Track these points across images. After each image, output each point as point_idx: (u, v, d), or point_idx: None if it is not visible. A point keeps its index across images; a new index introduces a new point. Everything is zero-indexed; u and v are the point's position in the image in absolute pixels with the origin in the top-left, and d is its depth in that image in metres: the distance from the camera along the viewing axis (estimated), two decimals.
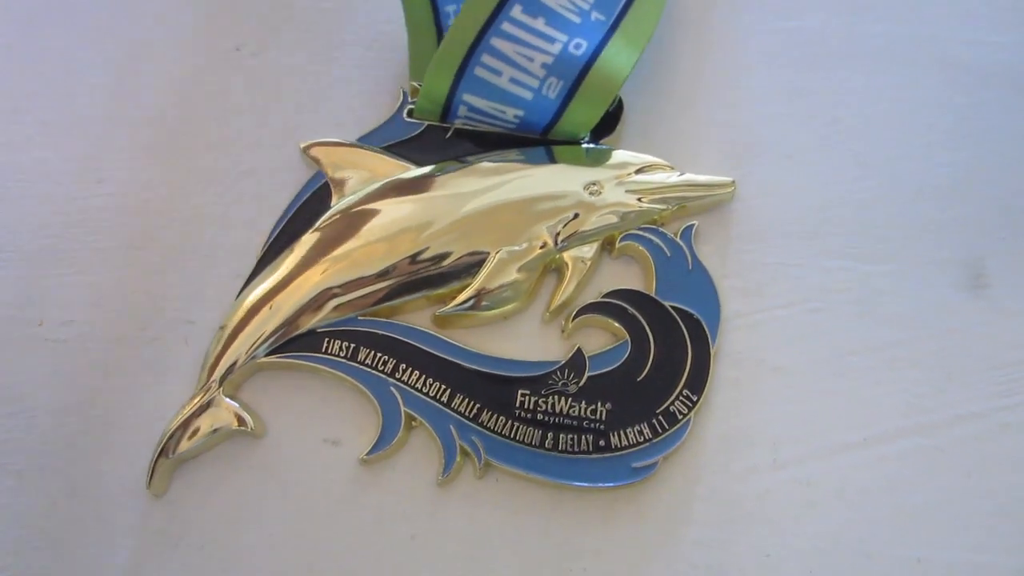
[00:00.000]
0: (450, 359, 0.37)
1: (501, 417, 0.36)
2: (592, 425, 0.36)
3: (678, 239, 0.38)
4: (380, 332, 0.37)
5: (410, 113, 0.41)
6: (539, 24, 0.38)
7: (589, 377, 0.36)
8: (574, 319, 0.37)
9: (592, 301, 0.38)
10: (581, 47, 0.38)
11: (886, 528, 0.35)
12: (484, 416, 0.36)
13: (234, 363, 0.37)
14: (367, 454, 0.36)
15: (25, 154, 0.42)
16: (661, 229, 0.38)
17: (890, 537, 0.35)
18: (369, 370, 0.37)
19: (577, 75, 0.38)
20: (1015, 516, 0.35)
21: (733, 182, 0.39)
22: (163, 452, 0.36)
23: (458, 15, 0.38)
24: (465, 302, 0.37)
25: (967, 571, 0.35)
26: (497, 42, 0.38)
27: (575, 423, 0.36)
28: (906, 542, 0.35)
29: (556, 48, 0.38)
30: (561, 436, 0.36)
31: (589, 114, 0.39)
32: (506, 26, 0.38)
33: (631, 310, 0.37)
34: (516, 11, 0.38)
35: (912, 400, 0.37)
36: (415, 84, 0.41)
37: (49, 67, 0.43)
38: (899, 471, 0.36)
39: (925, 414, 0.37)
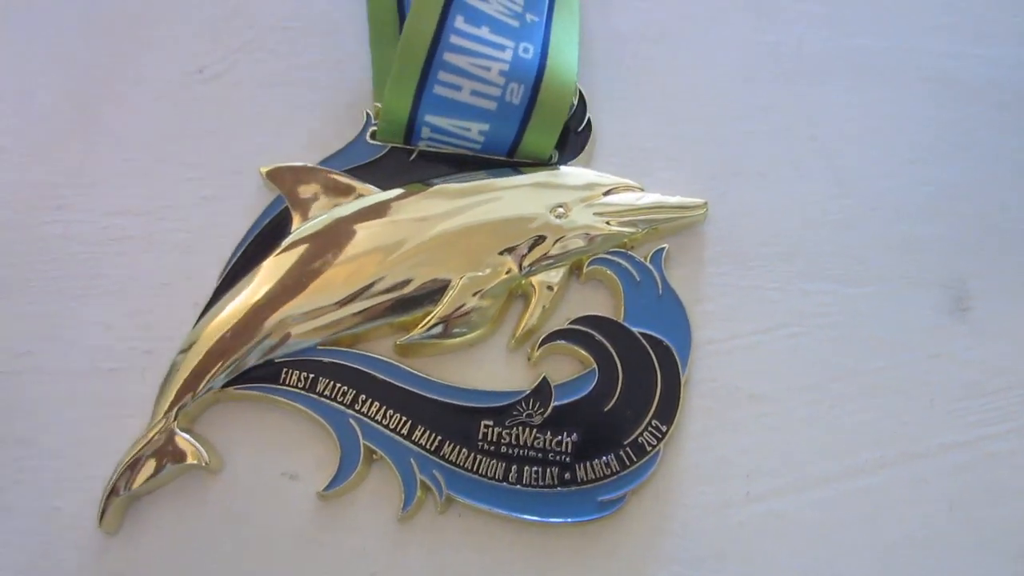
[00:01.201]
0: (411, 389, 0.36)
1: (463, 450, 0.35)
2: (557, 457, 0.34)
3: (648, 263, 0.37)
4: (340, 362, 0.36)
5: (373, 135, 0.40)
6: (485, 33, 0.37)
7: (555, 407, 0.35)
8: (540, 347, 0.36)
9: (559, 328, 0.36)
10: (529, 51, 0.38)
11: (865, 563, 0.34)
12: (446, 449, 0.35)
13: (190, 395, 0.36)
14: (325, 489, 0.34)
15: None
16: (630, 253, 0.37)
17: (868, 572, 0.34)
18: (328, 402, 0.35)
19: (535, 78, 0.37)
20: (1000, 550, 0.34)
21: (705, 203, 0.38)
22: (114, 490, 0.35)
23: (403, 33, 0.37)
24: (428, 330, 0.36)
25: None
26: (451, 57, 0.37)
27: (540, 455, 0.34)
28: None
29: (508, 55, 0.38)
30: (525, 469, 0.34)
31: (553, 123, 0.38)
32: (455, 39, 0.37)
33: (598, 337, 0.36)
34: (459, 22, 0.37)
35: (894, 428, 0.36)
36: (378, 106, 0.40)
37: (7, 91, 0.42)
38: (879, 503, 0.35)
39: (907, 443, 0.35)
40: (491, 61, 0.37)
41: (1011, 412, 0.36)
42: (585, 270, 0.37)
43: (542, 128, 0.38)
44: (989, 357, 0.36)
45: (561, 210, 0.37)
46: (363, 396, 0.36)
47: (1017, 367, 0.36)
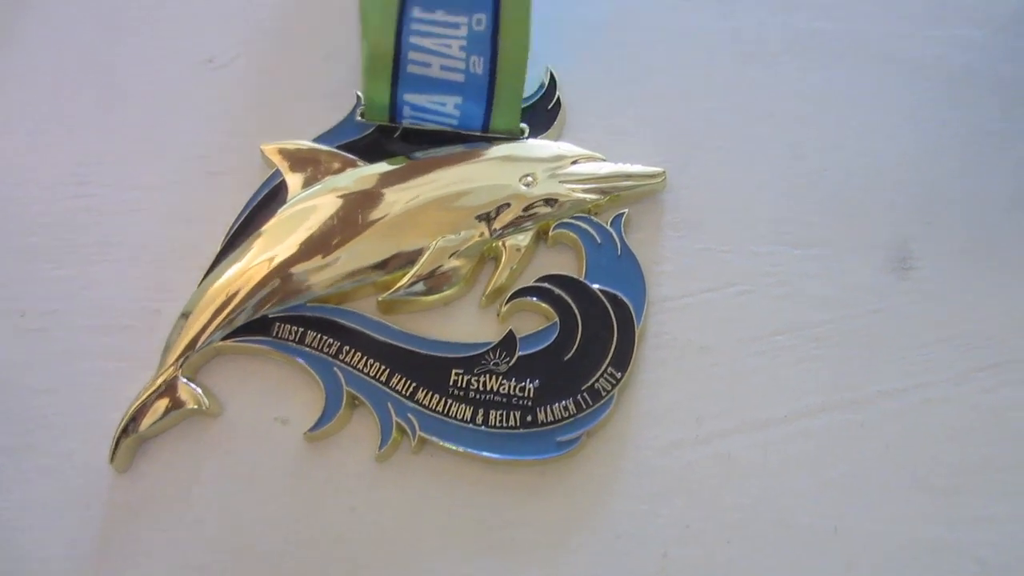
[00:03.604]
0: (390, 341, 0.39)
1: (435, 395, 0.38)
2: (520, 402, 0.38)
3: (608, 226, 0.40)
4: (326, 317, 0.40)
5: (362, 115, 0.43)
6: (440, 16, 0.41)
7: (519, 357, 0.38)
8: (508, 303, 0.39)
9: (524, 286, 0.40)
10: (482, 23, 0.41)
11: (805, 499, 0.36)
12: (420, 394, 0.38)
13: (192, 348, 0.40)
14: (310, 430, 0.38)
15: (16, 160, 0.45)
16: (593, 218, 0.40)
17: (808, 508, 0.36)
18: (315, 352, 0.39)
19: (491, 49, 0.41)
20: (931, 488, 0.36)
21: (664, 172, 0.41)
22: (125, 430, 0.39)
23: (367, 28, 0.41)
24: (406, 288, 0.40)
25: (883, 540, 0.36)
26: (416, 40, 0.41)
27: (504, 400, 0.38)
28: (824, 512, 0.36)
29: (463, 31, 0.41)
30: (491, 412, 0.38)
31: (514, 91, 0.41)
32: (415, 26, 0.41)
33: (560, 293, 0.39)
34: (417, 12, 0.41)
35: (836, 377, 0.38)
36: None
37: (38, 82, 0.47)
38: (820, 444, 0.37)
39: (848, 390, 0.38)
40: (450, 39, 0.41)
41: (947, 362, 0.38)
42: (551, 234, 0.40)
43: (506, 103, 0.41)
44: (928, 312, 0.39)
45: (529, 179, 0.41)
46: (347, 347, 0.39)
47: (954, 321, 0.39)
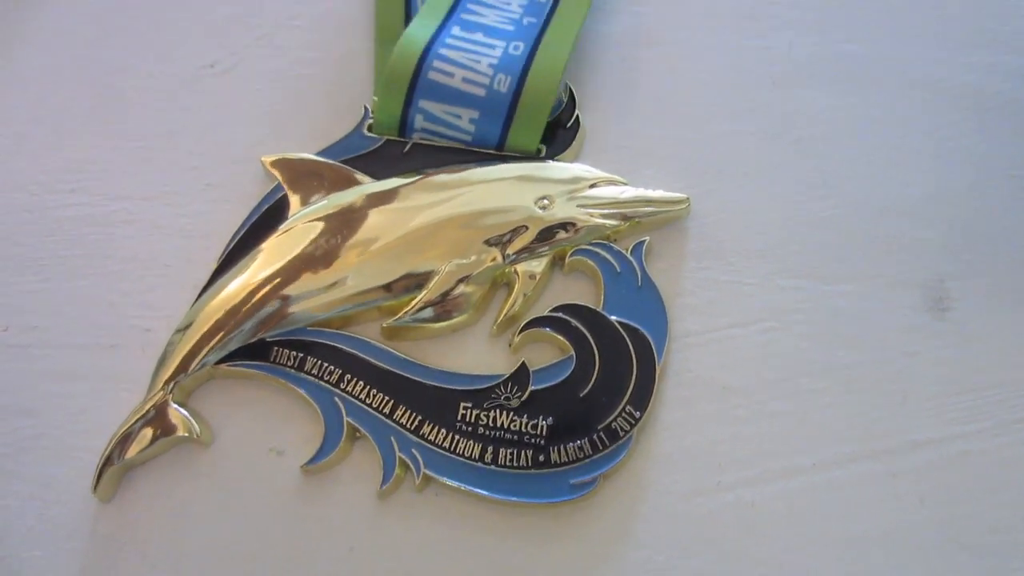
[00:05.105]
0: (395, 371, 0.37)
1: (442, 430, 0.36)
2: (532, 440, 0.35)
3: (628, 255, 0.38)
4: (328, 343, 0.37)
5: (370, 128, 0.41)
6: (479, 37, 0.40)
7: (532, 391, 0.36)
8: (520, 333, 0.37)
9: (539, 315, 0.37)
10: (519, 48, 0.40)
11: (832, 555, 0.34)
12: (425, 428, 0.36)
13: (184, 371, 0.37)
14: (307, 463, 0.36)
15: (2, 164, 0.43)
16: (612, 245, 0.38)
17: (836, 564, 0.34)
18: (315, 380, 0.37)
19: (521, 70, 0.39)
20: (967, 546, 0.34)
21: (687, 198, 0.39)
22: (108, 459, 0.36)
23: (402, 39, 0.40)
24: (413, 313, 0.37)
25: None
26: (445, 51, 0.40)
27: (515, 438, 0.35)
28: (852, 570, 0.34)
29: (498, 52, 0.40)
30: (501, 450, 0.35)
31: (538, 115, 0.40)
32: (450, 40, 0.40)
33: (577, 324, 0.37)
34: (456, 31, 0.40)
35: (866, 424, 0.36)
36: (376, 99, 0.41)
37: (29, 82, 0.45)
38: (849, 496, 0.35)
39: (879, 439, 0.36)
40: (482, 56, 0.40)
41: (984, 411, 0.36)
42: (567, 260, 0.38)
43: (528, 120, 0.39)
44: (965, 357, 0.37)
45: (545, 201, 0.38)
46: (348, 376, 0.37)
47: (993, 367, 0.37)
